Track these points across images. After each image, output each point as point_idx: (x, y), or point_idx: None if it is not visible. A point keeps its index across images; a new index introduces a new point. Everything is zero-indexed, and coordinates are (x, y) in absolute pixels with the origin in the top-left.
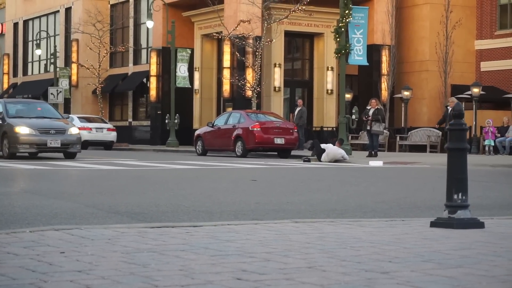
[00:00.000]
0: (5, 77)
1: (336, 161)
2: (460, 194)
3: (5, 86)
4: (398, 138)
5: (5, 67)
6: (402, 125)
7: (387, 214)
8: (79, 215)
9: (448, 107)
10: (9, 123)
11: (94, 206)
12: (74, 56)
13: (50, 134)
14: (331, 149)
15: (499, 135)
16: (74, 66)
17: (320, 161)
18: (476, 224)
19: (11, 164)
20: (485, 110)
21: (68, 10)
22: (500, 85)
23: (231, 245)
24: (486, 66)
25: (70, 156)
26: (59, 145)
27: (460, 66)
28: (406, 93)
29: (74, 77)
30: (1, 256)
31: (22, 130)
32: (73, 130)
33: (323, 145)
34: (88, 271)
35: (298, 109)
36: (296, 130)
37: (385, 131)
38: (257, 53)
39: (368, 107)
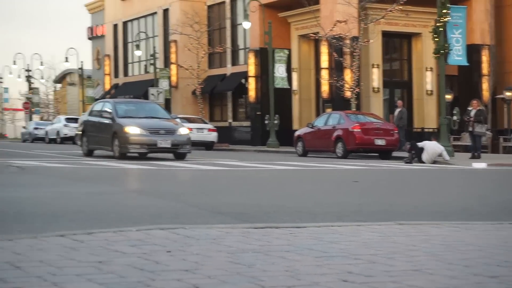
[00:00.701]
0: (107, 78)
1: (435, 162)
2: None
3: (107, 86)
4: (501, 139)
5: (107, 68)
6: (505, 126)
7: (494, 217)
8: (183, 215)
9: (472, 109)
10: (119, 123)
11: (197, 206)
12: (173, 57)
13: (160, 134)
14: (428, 145)
15: None
16: (173, 67)
17: (422, 161)
18: None
19: (120, 164)
20: None
21: (166, 12)
22: None
23: (335, 247)
24: None
25: (180, 156)
26: (169, 146)
27: None
28: (508, 94)
29: (173, 78)
30: (109, 254)
31: (132, 130)
32: (183, 131)
33: (420, 144)
34: (194, 271)
35: (398, 110)
36: (396, 132)
37: (488, 132)
38: (354, 54)
39: (470, 108)
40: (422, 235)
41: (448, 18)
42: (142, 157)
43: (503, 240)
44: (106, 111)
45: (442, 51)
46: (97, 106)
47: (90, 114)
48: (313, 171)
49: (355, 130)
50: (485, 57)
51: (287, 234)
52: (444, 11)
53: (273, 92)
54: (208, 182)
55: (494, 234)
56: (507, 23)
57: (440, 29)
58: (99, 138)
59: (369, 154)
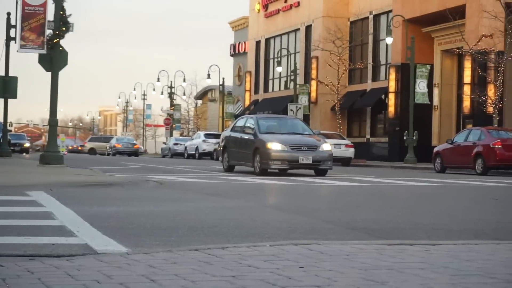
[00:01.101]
0: (247, 94)
1: None
2: None
3: (247, 102)
4: None
5: (247, 84)
6: None
7: None
8: (317, 231)
9: None
10: (261, 139)
11: (332, 222)
12: (313, 73)
13: (302, 150)
14: None
15: None
16: (313, 82)
17: None
18: None
19: (259, 180)
20: None
21: (308, 28)
22: None
23: (471, 265)
24: None
25: (321, 173)
26: (311, 162)
27: None
28: None
29: (313, 94)
30: (242, 268)
31: (274, 146)
32: (325, 147)
33: None
34: (326, 287)
35: None
36: None
37: None
38: (499, 69)
39: None
40: None
41: None
42: (282, 173)
43: None
44: (248, 127)
45: None
46: (240, 122)
47: (232, 129)
48: (450, 187)
49: (496, 146)
50: None
51: (421, 252)
52: None
53: (413, 107)
54: (344, 198)
55: None
56: None
57: None
58: (241, 153)
59: (510, 171)
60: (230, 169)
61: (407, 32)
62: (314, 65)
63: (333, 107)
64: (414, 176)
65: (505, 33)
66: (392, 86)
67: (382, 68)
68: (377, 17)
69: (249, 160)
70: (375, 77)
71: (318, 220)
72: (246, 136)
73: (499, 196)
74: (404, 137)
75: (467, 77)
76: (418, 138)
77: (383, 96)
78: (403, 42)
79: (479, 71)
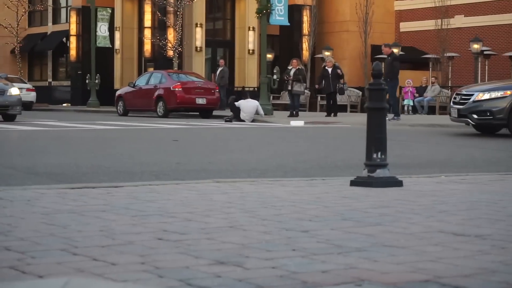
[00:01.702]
0: None
1: (254, 120)
2: (379, 153)
3: None
4: (319, 98)
5: None
6: None
7: (308, 173)
8: None
9: (326, 67)
10: None
11: (12, 167)
12: None
13: None
14: (244, 104)
15: (417, 95)
16: None
17: (241, 120)
18: (394, 182)
19: None
20: (404, 70)
21: None
22: (419, 46)
23: (152, 205)
24: (405, 26)
25: (9, 118)
26: None
27: (380, 27)
28: (326, 53)
29: None
30: None
31: None
32: (14, 91)
33: (236, 104)
34: (6, 233)
35: (220, 69)
36: (217, 90)
37: (306, 91)
38: (178, 13)
39: (289, 67)
40: (238, 192)
41: None
42: None
43: (316, 196)
44: None
45: (264, 11)
46: None
47: None
48: (132, 130)
49: (176, 89)
50: (306, 17)
51: (104, 194)
52: None
53: (94, 51)
54: (24, 142)
55: (307, 190)
56: None
57: None
58: None
59: (190, 113)
60: None
61: None
62: None
63: (13, 50)
64: (96, 119)
65: None
66: (73, 29)
67: (63, 11)
68: None
69: None
70: (55, 20)
71: None
72: None
73: (179, 138)
74: (87, 81)
75: (147, 21)
76: (100, 82)
77: (64, 39)
78: None
79: (159, 15)
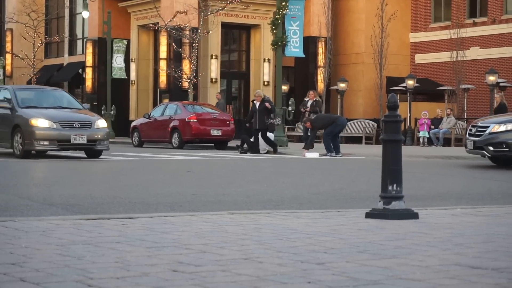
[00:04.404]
0: None
1: (268, 152)
2: (394, 185)
3: None
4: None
5: None
6: None
7: (323, 205)
8: (13, 207)
9: (255, 101)
10: (22, 114)
11: (28, 198)
12: (8, 46)
13: (74, 128)
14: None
15: (433, 127)
16: (8, 56)
17: (257, 151)
18: (410, 214)
19: None
20: (419, 102)
21: (2, 0)
22: (434, 78)
23: (167, 237)
24: (420, 58)
25: (95, 154)
26: (85, 141)
27: (395, 59)
28: (342, 85)
29: (8, 67)
30: None
31: (40, 123)
32: (101, 124)
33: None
34: (22, 264)
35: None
36: (232, 122)
37: None
38: (193, 45)
39: (306, 99)
40: (253, 224)
41: (286, 11)
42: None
43: (331, 228)
44: (2, 100)
45: (279, 42)
46: None
47: None
48: (148, 161)
49: (191, 120)
50: (321, 49)
51: (119, 225)
52: (283, 3)
53: (110, 82)
54: (41, 173)
55: (323, 222)
56: (343, 17)
57: (278, 21)
58: None
59: (204, 144)
60: None
61: (103, 7)
62: (8, 38)
63: (29, 81)
64: (112, 150)
65: (198, 10)
66: (89, 60)
67: (79, 42)
68: None
69: (6, 141)
70: (72, 51)
71: (14, 197)
72: (1, 111)
73: (194, 169)
74: (102, 112)
75: (163, 52)
76: (116, 113)
77: (80, 71)
78: (99, 17)
79: (175, 46)
